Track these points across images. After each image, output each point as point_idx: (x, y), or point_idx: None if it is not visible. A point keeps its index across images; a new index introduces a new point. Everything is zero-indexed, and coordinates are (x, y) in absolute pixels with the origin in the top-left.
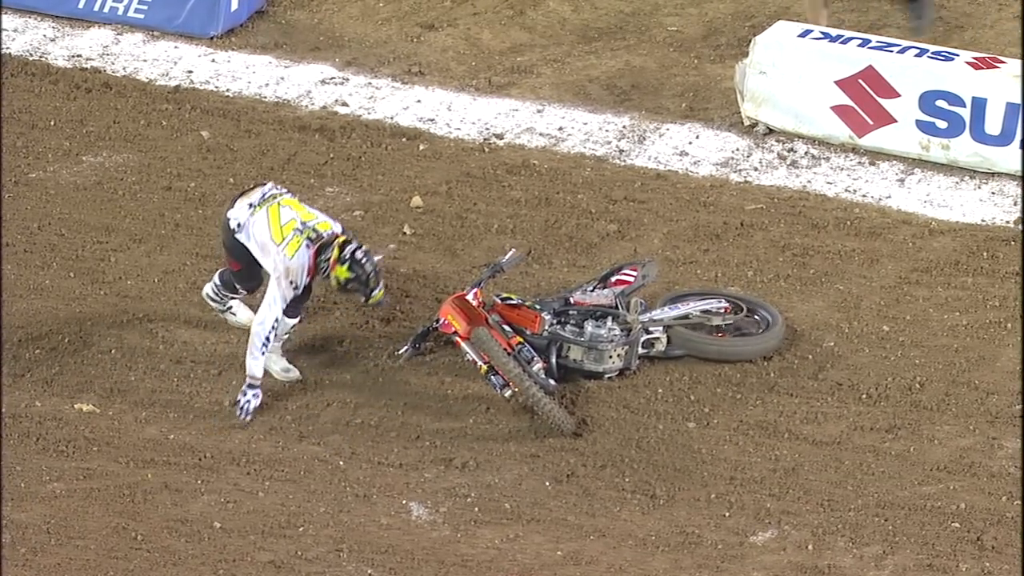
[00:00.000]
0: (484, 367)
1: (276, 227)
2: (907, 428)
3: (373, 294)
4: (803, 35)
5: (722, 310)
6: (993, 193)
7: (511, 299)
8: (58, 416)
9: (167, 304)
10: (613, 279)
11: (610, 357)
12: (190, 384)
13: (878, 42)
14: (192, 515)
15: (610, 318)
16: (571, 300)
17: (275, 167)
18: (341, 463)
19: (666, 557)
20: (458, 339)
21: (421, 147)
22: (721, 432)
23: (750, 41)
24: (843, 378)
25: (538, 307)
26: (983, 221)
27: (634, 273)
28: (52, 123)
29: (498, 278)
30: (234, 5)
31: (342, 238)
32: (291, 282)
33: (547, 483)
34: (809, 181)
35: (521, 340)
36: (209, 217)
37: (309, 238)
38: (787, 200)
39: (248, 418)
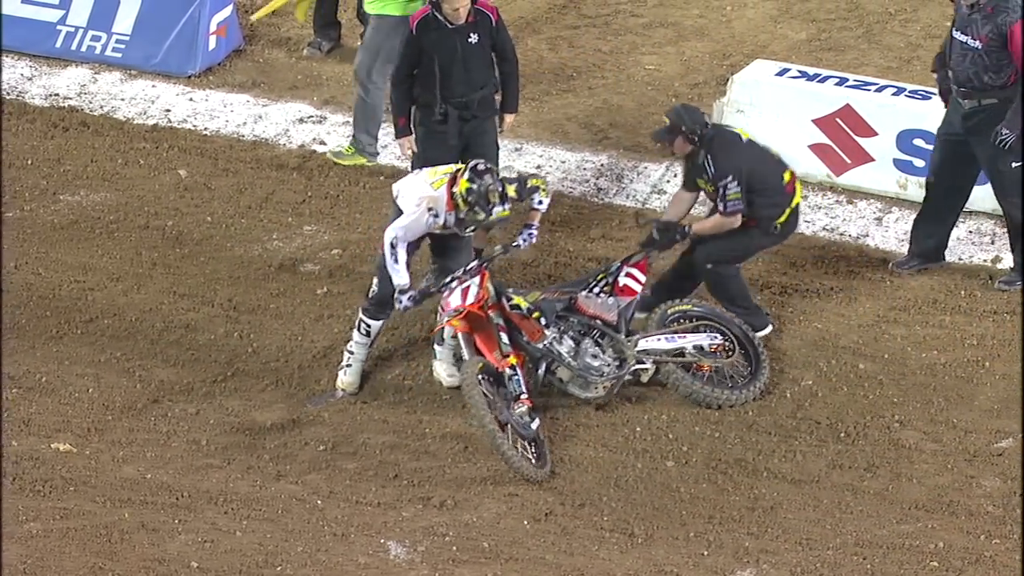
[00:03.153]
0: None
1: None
2: (885, 467)
3: (494, 210)
4: (780, 74)
5: (716, 347)
6: (970, 231)
7: (519, 307)
8: (35, 456)
9: (144, 343)
10: (621, 282)
11: (596, 387)
12: (167, 423)
13: (855, 81)
14: (169, 555)
15: (608, 342)
16: (575, 302)
17: (253, 205)
18: (319, 502)
19: None
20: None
21: None
22: (700, 470)
23: (727, 80)
24: (821, 416)
25: (543, 313)
26: (960, 260)
27: (643, 278)
28: (29, 162)
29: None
30: (212, 44)
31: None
32: (430, 209)
33: (525, 522)
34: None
35: (513, 364)
36: (186, 256)
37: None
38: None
39: (403, 308)
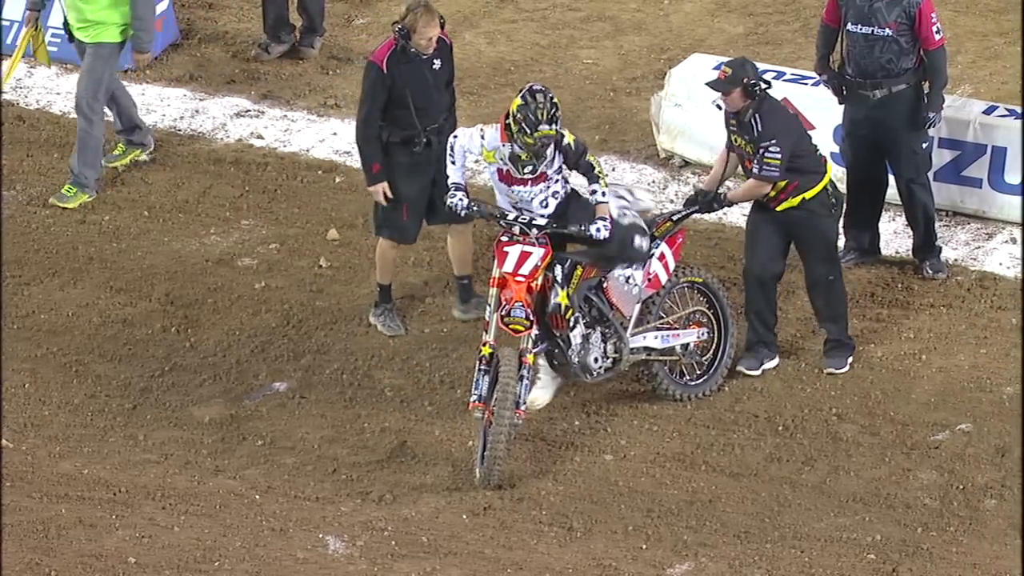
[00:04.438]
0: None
1: None
2: (823, 460)
3: (540, 127)
4: (718, 68)
5: (699, 343)
6: (905, 226)
7: (560, 307)
8: None
9: (81, 338)
10: (652, 269)
11: (576, 376)
12: (104, 419)
13: (792, 75)
14: (107, 550)
15: (612, 339)
16: (605, 283)
17: (190, 199)
18: (257, 497)
19: None
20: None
21: (337, 180)
22: (638, 464)
23: (665, 74)
24: (760, 410)
25: (574, 311)
26: (897, 253)
27: (672, 265)
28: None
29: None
30: None
31: None
32: (482, 130)
33: (464, 516)
34: (725, 213)
35: (529, 365)
36: (123, 250)
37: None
38: (703, 232)
39: (453, 202)
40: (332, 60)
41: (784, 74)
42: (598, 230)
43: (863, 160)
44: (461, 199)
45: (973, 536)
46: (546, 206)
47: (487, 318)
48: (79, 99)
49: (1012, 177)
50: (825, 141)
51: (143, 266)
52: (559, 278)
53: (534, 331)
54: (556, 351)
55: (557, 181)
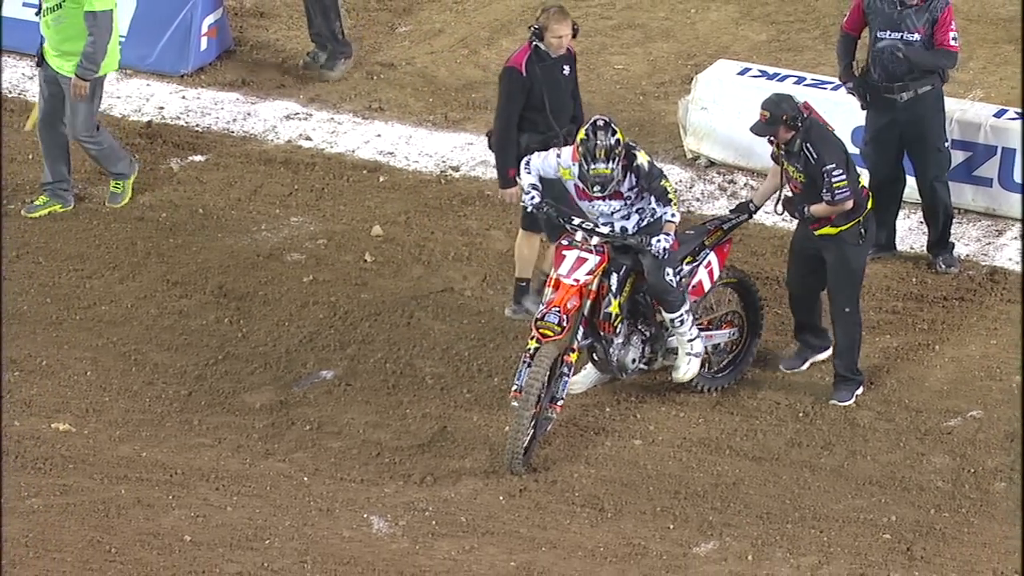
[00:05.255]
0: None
1: None
2: (841, 445)
3: (595, 166)
4: (742, 73)
5: (729, 343)
6: (920, 223)
7: (610, 316)
8: (36, 435)
9: (139, 328)
10: (697, 277)
11: (612, 372)
12: (161, 404)
13: (812, 80)
14: (163, 529)
15: (651, 342)
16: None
17: (242, 198)
18: (305, 479)
19: (613, 567)
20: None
21: (381, 179)
22: (665, 449)
23: (692, 79)
24: (781, 397)
25: (623, 321)
26: (911, 248)
27: (717, 274)
28: (30, 157)
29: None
30: (203, 45)
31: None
32: (558, 152)
33: (501, 498)
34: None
35: (571, 363)
36: (179, 246)
37: None
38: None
39: (531, 204)
40: (377, 66)
41: (805, 79)
42: (659, 241)
43: (886, 161)
44: (534, 197)
45: (984, 517)
46: (627, 218)
47: (536, 313)
48: (77, 136)
49: (1021, 177)
50: (844, 142)
51: (198, 260)
52: (614, 287)
53: (580, 332)
54: (598, 348)
55: (642, 199)
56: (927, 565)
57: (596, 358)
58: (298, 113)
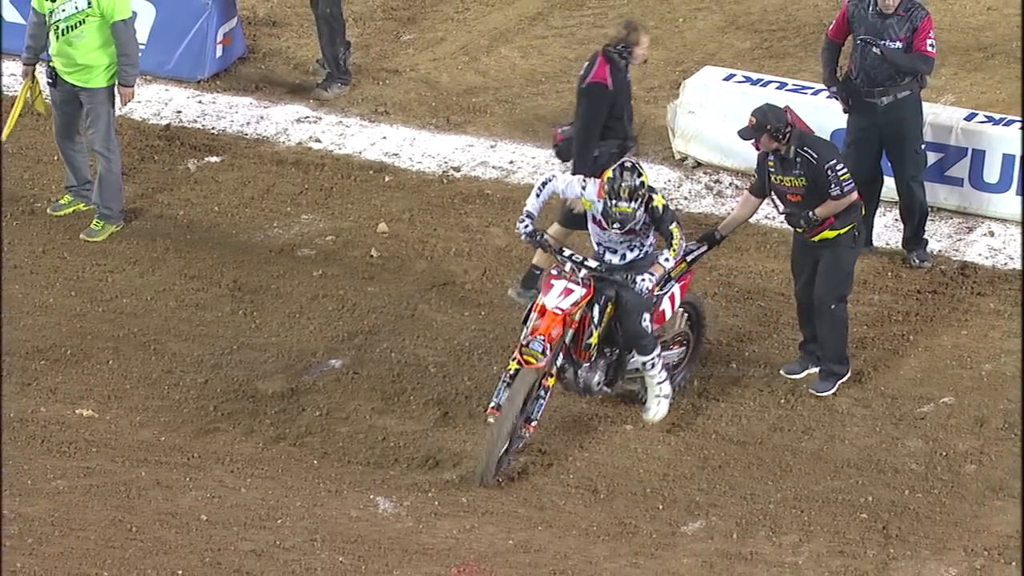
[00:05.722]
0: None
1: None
2: (821, 429)
3: (619, 204)
4: (727, 79)
5: (674, 363)
6: (895, 220)
7: (590, 347)
8: (61, 420)
9: (158, 320)
10: (662, 306)
11: (576, 392)
12: (179, 392)
13: (794, 85)
14: (181, 509)
15: (615, 365)
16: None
17: (255, 197)
18: (315, 462)
19: (606, 545)
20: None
21: (386, 179)
22: (655, 433)
23: (680, 84)
24: (763, 385)
25: (599, 351)
26: (887, 245)
27: (679, 304)
28: (55, 158)
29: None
30: (219, 52)
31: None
32: (583, 182)
33: (499, 480)
34: (733, 209)
35: (548, 387)
36: (196, 241)
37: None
38: (714, 226)
39: (519, 229)
40: (382, 72)
41: (787, 84)
42: (643, 280)
43: (866, 162)
44: (527, 226)
45: (955, 497)
46: (631, 250)
47: (521, 338)
48: (94, 146)
49: (990, 177)
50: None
51: (213, 256)
52: (595, 318)
53: (559, 359)
54: (568, 369)
55: (648, 236)
56: (902, 543)
57: (564, 378)
58: (308, 116)
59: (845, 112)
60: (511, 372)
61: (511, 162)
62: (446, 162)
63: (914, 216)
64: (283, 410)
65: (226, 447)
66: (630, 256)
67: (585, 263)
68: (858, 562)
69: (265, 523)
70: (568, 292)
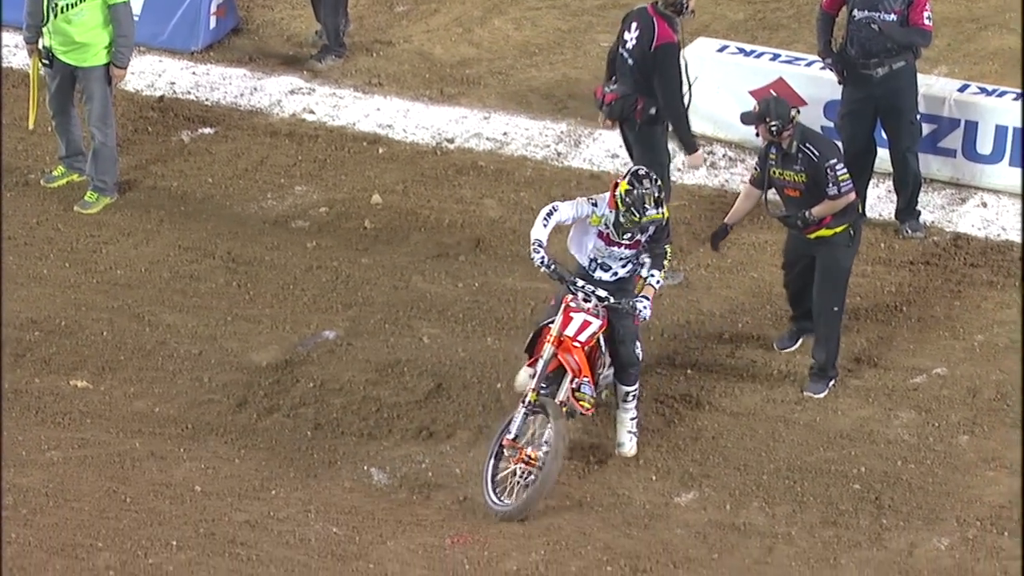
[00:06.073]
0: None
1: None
2: (813, 400)
3: (647, 212)
4: (721, 50)
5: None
6: (888, 191)
7: (583, 400)
8: (55, 392)
9: (152, 291)
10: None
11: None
12: (173, 363)
13: (787, 56)
14: (175, 480)
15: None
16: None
17: (249, 168)
18: (309, 433)
19: (599, 516)
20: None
21: (380, 150)
22: (649, 404)
23: None
24: (757, 356)
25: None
26: (880, 216)
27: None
28: (49, 130)
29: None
30: (212, 23)
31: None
32: (591, 199)
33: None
34: (727, 180)
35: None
36: (190, 213)
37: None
38: (707, 197)
39: (535, 259)
40: (376, 43)
41: (780, 55)
42: (645, 308)
43: (860, 134)
44: (543, 257)
45: (947, 468)
46: (626, 267)
47: (539, 369)
48: (90, 122)
49: (983, 148)
50: (816, 116)
51: (207, 227)
52: (603, 346)
53: (579, 380)
54: (551, 388)
55: (644, 253)
56: (894, 513)
57: (544, 394)
58: (302, 88)
59: (840, 84)
60: (528, 403)
61: (505, 134)
62: (440, 134)
63: (907, 187)
64: (277, 381)
65: (220, 418)
66: (621, 273)
67: (596, 293)
68: (851, 532)
69: (259, 494)
70: (587, 324)
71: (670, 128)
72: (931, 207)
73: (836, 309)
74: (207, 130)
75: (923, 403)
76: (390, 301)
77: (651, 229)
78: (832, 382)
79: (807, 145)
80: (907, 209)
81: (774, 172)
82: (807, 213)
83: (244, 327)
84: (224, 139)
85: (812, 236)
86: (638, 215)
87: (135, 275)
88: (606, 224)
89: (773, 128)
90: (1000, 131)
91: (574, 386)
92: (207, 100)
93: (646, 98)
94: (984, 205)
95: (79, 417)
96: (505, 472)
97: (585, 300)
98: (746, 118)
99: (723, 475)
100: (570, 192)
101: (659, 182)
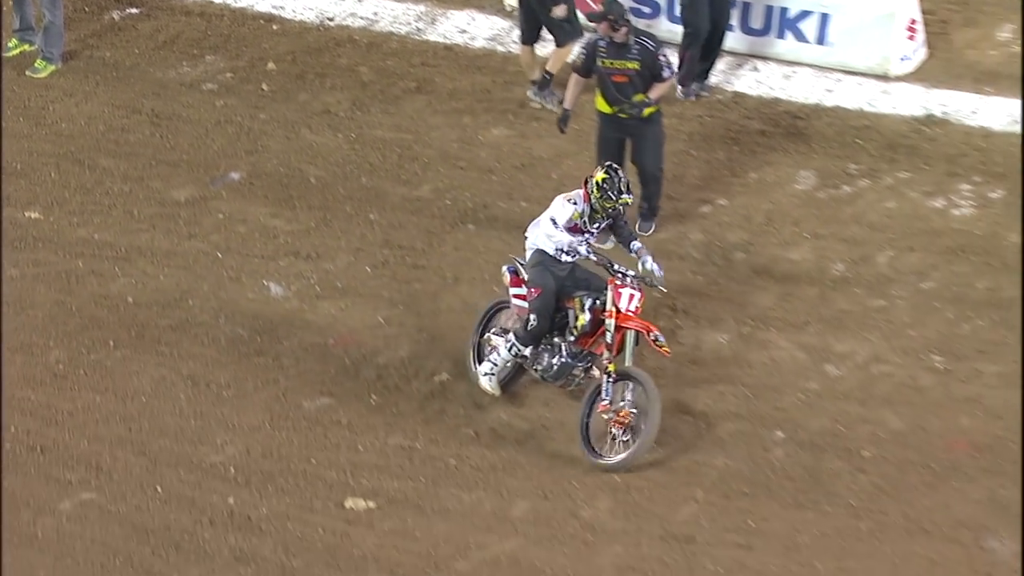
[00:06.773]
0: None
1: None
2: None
3: (622, 196)
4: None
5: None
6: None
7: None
8: (14, 221)
9: (91, 140)
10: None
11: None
12: (109, 199)
13: None
14: (112, 292)
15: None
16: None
17: (167, 41)
18: (219, 255)
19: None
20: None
21: (274, 27)
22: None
23: None
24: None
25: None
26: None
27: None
28: (5, 10)
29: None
30: None
31: None
32: (569, 198)
33: (368, 268)
34: (569, 90)
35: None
36: (121, 77)
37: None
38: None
39: (585, 255)
40: None
41: None
42: (660, 270)
43: (701, 16)
44: (587, 250)
45: (727, 279)
46: (586, 249)
47: (607, 340)
48: (43, 3)
49: (756, 23)
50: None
51: (135, 89)
52: (587, 310)
53: (654, 333)
54: (544, 356)
55: (607, 233)
56: (685, 315)
57: (527, 359)
58: None
59: None
60: (613, 373)
61: (375, 13)
62: (323, 13)
63: (714, 56)
64: (193, 214)
65: (147, 243)
66: (582, 252)
67: (628, 272)
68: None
69: (180, 304)
70: (632, 297)
71: None
72: (715, 72)
73: (663, 167)
74: (133, 10)
75: (708, 227)
76: (283, 149)
77: (617, 212)
78: (657, 217)
79: (641, 38)
80: (703, 74)
81: (603, 63)
82: (649, 97)
83: (165, 170)
84: (147, 18)
85: (645, 113)
86: (614, 198)
87: (76, 128)
88: (582, 217)
89: (615, 23)
90: (768, 9)
91: (652, 338)
92: None
93: None
94: (756, 70)
95: (32, 242)
96: (602, 432)
97: (623, 276)
98: (592, 17)
99: None
100: (428, 61)
101: (625, 175)
